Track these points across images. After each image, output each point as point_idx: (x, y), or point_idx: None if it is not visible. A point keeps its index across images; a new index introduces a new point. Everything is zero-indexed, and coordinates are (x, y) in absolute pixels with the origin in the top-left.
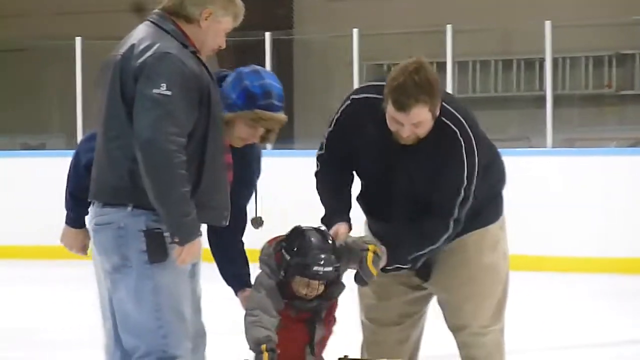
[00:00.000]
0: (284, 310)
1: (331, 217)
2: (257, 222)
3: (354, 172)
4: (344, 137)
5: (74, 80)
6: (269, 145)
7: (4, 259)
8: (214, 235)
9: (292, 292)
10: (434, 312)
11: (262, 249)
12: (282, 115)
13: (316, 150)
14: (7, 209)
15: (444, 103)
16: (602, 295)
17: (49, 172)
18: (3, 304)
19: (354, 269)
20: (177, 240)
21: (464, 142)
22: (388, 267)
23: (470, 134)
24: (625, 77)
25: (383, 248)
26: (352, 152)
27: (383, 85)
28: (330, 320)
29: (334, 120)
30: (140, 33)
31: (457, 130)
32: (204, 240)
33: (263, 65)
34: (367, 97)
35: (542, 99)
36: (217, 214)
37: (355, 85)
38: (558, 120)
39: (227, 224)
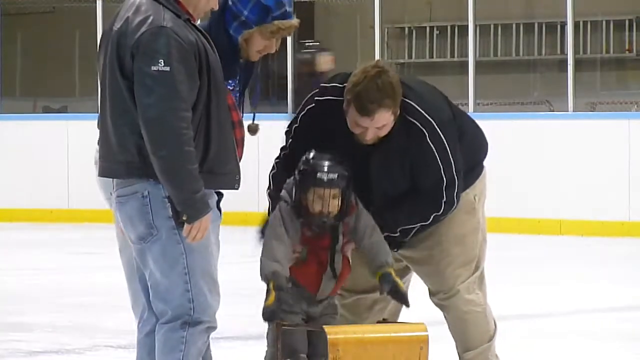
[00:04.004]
0: (303, 232)
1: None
2: (253, 129)
3: None
4: (310, 134)
5: (96, 43)
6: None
7: (26, 222)
8: None
9: (308, 211)
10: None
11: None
12: (296, 20)
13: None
14: (27, 172)
15: (402, 98)
16: (624, 260)
17: (71, 135)
18: (37, 267)
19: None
20: (185, 218)
21: (426, 130)
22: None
23: (430, 119)
24: None
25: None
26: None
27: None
28: (347, 259)
29: (299, 117)
30: (134, 4)
31: (416, 122)
32: None
33: None
34: (330, 99)
35: (564, 62)
36: (229, 179)
37: (377, 49)
38: (579, 84)
39: (239, 188)
